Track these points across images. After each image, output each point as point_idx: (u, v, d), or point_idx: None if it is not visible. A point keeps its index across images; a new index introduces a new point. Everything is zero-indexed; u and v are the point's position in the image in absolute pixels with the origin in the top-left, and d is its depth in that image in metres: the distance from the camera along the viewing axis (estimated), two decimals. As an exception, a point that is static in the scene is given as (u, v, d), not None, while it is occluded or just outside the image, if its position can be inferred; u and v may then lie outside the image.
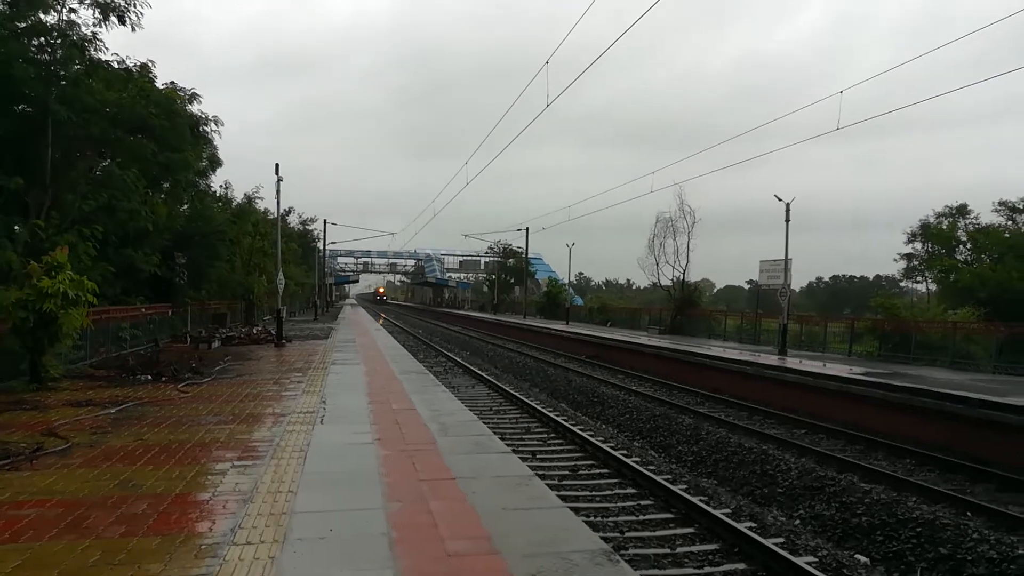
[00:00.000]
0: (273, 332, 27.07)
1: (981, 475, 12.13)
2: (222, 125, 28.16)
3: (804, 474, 11.78)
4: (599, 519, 9.23)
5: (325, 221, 58.52)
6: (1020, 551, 8.44)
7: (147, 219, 22.66)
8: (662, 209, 43.44)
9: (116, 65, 21.66)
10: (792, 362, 21.75)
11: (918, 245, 50.46)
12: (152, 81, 23.50)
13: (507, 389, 20.44)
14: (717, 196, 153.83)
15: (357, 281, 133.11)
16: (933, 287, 50.25)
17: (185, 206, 30.53)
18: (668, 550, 8.34)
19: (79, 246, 17.52)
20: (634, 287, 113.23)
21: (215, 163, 31.27)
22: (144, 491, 6.59)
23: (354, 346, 25.11)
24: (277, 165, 25.91)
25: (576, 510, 8.33)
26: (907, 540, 9.11)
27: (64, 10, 19.32)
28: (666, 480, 10.98)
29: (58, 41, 19.24)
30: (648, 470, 11.53)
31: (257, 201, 43.31)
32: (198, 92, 26.78)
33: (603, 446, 13.01)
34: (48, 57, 19.36)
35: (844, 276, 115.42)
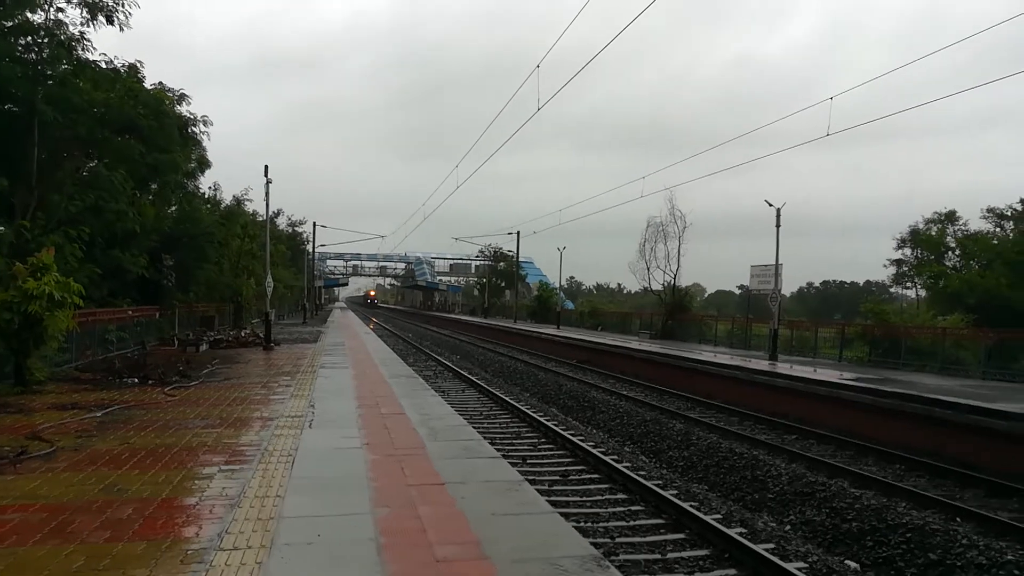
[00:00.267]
0: (261, 335, 26.93)
1: (970, 480, 12.16)
2: (211, 125, 28.05)
3: (794, 479, 11.78)
4: (589, 525, 9.19)
5: (315, 223, 58.37)
6: (1009, 556, 8.45)
7: (134, 220, 22.49)
8: (653, 214, 43.45)
9: (104, 65, 21.54)
10: (783, 367, 21.79)
11: (908, 251, 50.93)
12: (141, 81, 23.37)
13: (497, 393, 20.38)
14: (708, 201, 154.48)
15: (347, 284, 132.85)
16: (923, 293, 50.61)
17: (173, 208, 30.34)
18: (658, 556, 8.31)
19: (65, 247, 17.35)
20: (625, 291, 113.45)
21: (204, 164, 31.12)
22: (130, 495, 6.51)
23: (343, 350, 24.99)
24: (266, 167, 25.85)
25: (566, 515, 8.27)
26: (897, 546, 9.10)
27: (52, 9, 19.20)
28: (657, 485, 10.94)
29: (45, 40, 19.09)
30: (639, 475, 11.50)
31: (246, 203, 43.21)
32: (187, 93, 26.70)
33: (593, 451, 12.97)
34: (35, 56, 19.21)
35: (834, 281, 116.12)
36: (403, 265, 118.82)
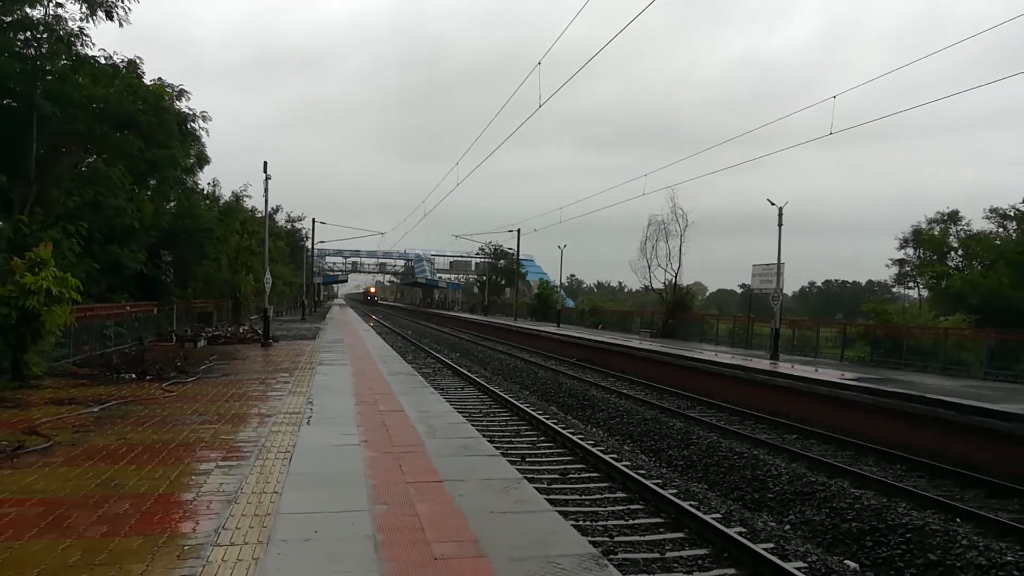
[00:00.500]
0: (260, 332, 26.88)
1: (971, 481, 12.12)
2: (210, 121, 28.02)
3: (795, 479, 11.74)
4: (588, 523, 9.15)
5: (314, 220, 58.28)
6: (1009, 557, 8.42)
7: (133, 216, 22.46)
8: (655, 212, 43.38)
9: (103, 61, 21.50)
10: (784, 367, 21.75)
11: (910, 251, 50.81)
12: (140, 77, 23.32)
13: (496, 391, 20.34)
14: (710, 199, 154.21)
15: (346, 281, 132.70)
16: (925, 293, 50.55)
17: (172, 203, 30.30)
18: (657, 555, 8.27)
19: (63, 243, 17.31)
20: (626, 290, 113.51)
21: (203, 160, 31.08)
22: (127, 491, 6.48)
23: (342, 346, 24.96)
24: (265, 163, 25.82)
25: (565, 514, 8.24)
26: (897, 546, 9.06)
27: (51, 4, 19.12)
28: (656, 484, 10.91)
29: (44, 36, 19.04)
30: (638, 474, 11.46)
31: (245, 199, 43.16)
32: (186, 89, 26.65)
33: (593, 450, 12.93)
34: (34, 52, 19.16)
35: (837, 281, 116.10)
36: (403, 262, 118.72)
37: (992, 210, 44.76)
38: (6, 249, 15.95)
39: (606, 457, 12.36)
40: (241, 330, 30.75)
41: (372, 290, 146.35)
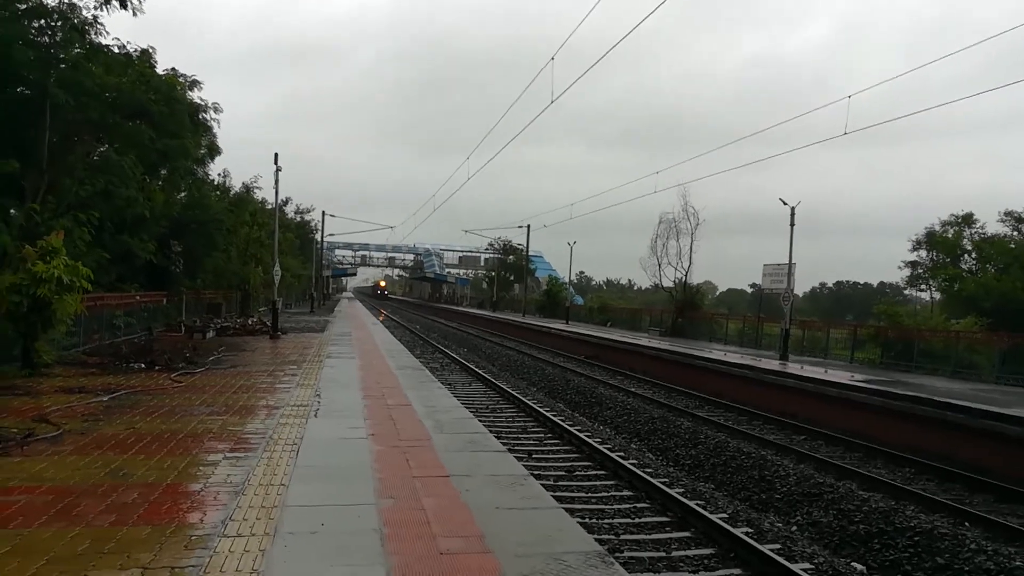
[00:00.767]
0: (268, 323, 26.95)
1: (980, 485, 12.04)
2: (221, 112, 28.06)
3: (802, 480, 11.68)
4: (594, 521, 9.13)
5: (324, 212, 58.46)
6: (1018, 562, 8.36)
7: (144, 206, 22.54)
8: (666, 210, 43.10)
9: (117, 50, 21.50)
10: (793, 367, 21.66)
11: (923, 253, 50.41)
12: (153, 67, 23.36)
13: (504, 387, 20.34)
14: (722, 198, 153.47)
15: (355, 274, 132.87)
16: (937, 295, 50.20)
17: (182, 194, 30.40)
18: (663, 553, 8.25)
19: (75, 231, 17.36)
20: (635, 288, 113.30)
21: (214, 151, 31.13)
22: (135, 480, 6.50)
23: (350, 340, 25.00)
24: (276, 155, 25.84)
25: (571, 511, 8.23)
26: (904, 549, 9.01)
27: (66, -9, 19.14)
28: (663, 483, 10.88)
29: (58, 24, 19.07)
30: (645, 473, 11.44)
31: (255, 191, 43.21)
32: (199, 79, 26.71)
33: (600, 447, 12.91)
34: (48, 40, 19.20)
35: (848, 282, 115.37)
36: (412, 256, 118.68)
37: (1007, 213, 44.40)
38: (18, 237, 16.04)
39: (613, 455, 12.35)
40: (250, 322, 30.84)
41: (382, 283, 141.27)
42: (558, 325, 44.50)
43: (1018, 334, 24.00)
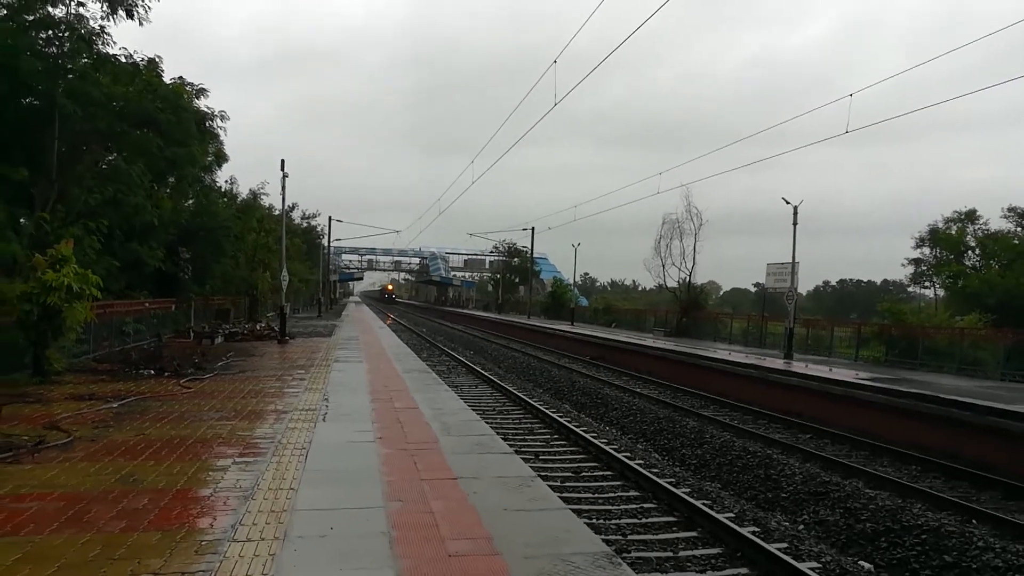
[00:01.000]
0: (276, 328, 27.06)
1: (987, 483, 12.03)
2: (228, 120, 28.20)
3: (808, 479, 11.71)
4: (601, 522, 9.18)
5: (330, 218, 58.74)
6: (1026, 560, 8.36)
7: (152, 213, 22.68)
8: (669, 210, 43.14)
9: (124, 59, 21.63)
10: (798, 366, 21.65)
11: (926, 250, 50.27)
12: (160, 76, 23.49)
13: (510, 389, 20.39)
14: (725, 198, 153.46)
15: (361, 279, 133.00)
16: (941, 293, 50.05)
17: (190, 201, 30.53)
18: (671, 554, 8.29)
19: (84, 239, 17.52)
20: (640, 288, 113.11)
21: (221, 158, 31.26)
22: (145, 486, 6.58)
23: (357, 344, 25.09)
24: (283, 161, 26.00)
25: (578, 512, 8.29)
26: (912, 547, 9.03)
27: (73, 3, 19.31)
28: (669, 483, 10.92)
29: (66, 34, 19.22)
30: (651, 473, 11.48)
31: (262, 197, 43.42)
32: (205, 87, 26.83)
33: (606, 448, 12.95)
34: (56, 50, 19.35)
35: (851, 280, 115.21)
36: (417, 260, 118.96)
37: (1010, 209, 44.30)
38: (28, 246, 16.17)
39: (619, 455, 12.39)
40: (258, 327, 30.96)
41: (390, 287, 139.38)
42: (563, 326, 44.53)
43: (1022, 330, 23.94)
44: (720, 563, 8.11)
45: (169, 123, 22.43)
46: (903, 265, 53.37)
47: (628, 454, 13.24)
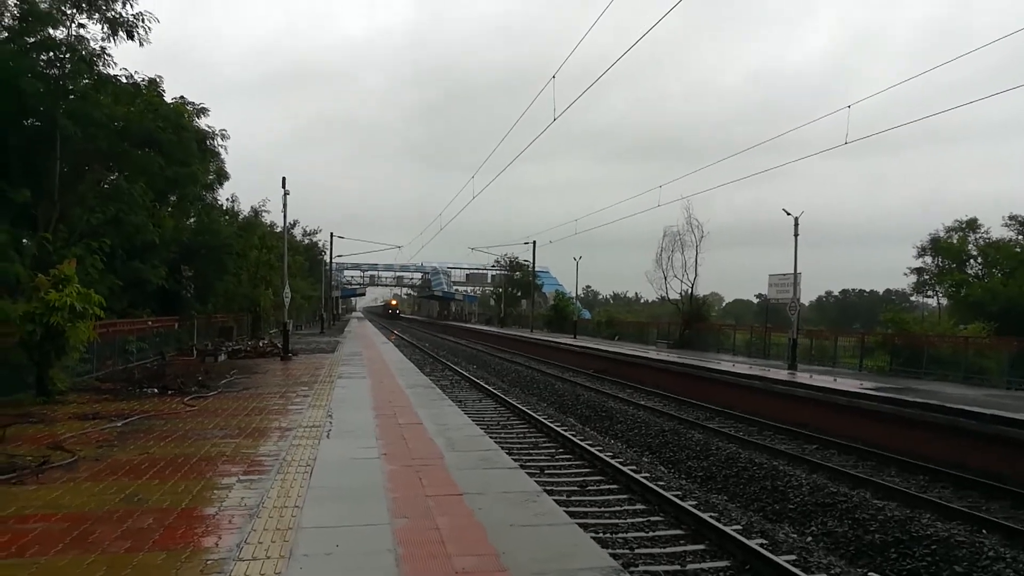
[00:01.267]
0: (279, 345, 27.04)
1: (996, 492, 11.96)
2: (228, 139, 28.36)
3: (816, 490, 11.64)
4: (608, 536, 9.13)
5: (332, 234, 58.81)
6: (1038, 569, 8.30)
7: (154, 232, 22.71)
8: (670, 223, 43.15)
9: (125, 80, 21.73)
10: (802, 377, 21.59)
11: (928, 259, 50.26)
12: (161, 95, 23.61)
13: (514, 403, 20.34)
14: (726, 209, 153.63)
15: (364, 294, 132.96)
16: (944, 302, 49.97)
17: (192, 219, 30.60)
18: (678, 567, 8.24)
19: (87, 259, 17.53)
20: (642, 301, 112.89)
21: (222, 176, 31.39)
22: (150, 505, 6.55)
23: (360, 359, 25.06)
24: (284, 178, 26.10)
25: (585, 526, 8.24)
26: (922, 558, 8.96)
27: (73, 25, 19.42)
28: (676, 496, 10.87)
29: (67, 56, 19.31)
30: (657, 486, 11.42)
31: (264, 214, 43.54)
32: (207, 106, 26.97)
33: (612, 461, 12.90)
34: (57, 72, 19.44)
35: (854, 290, 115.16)
36: (420, 275, 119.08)
37: (1011, 217, 44.33)
38: (31, 266, 16.19)
39: (625, 469, 12.34)
40: (261, 344, 30.95)
41: (394, 302, 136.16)
42: (566, 340, 44.48)
43: (1026, 338, 23.89)
44: (728, 576, 8.05)
45: (170, 142, 22.51)
46: (905, 274, 53.38)
47: (634, 467, 13.19)
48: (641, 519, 9.97)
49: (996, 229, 45.53)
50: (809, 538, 10.08)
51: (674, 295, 42.64)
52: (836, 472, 13.09)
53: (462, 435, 10.37)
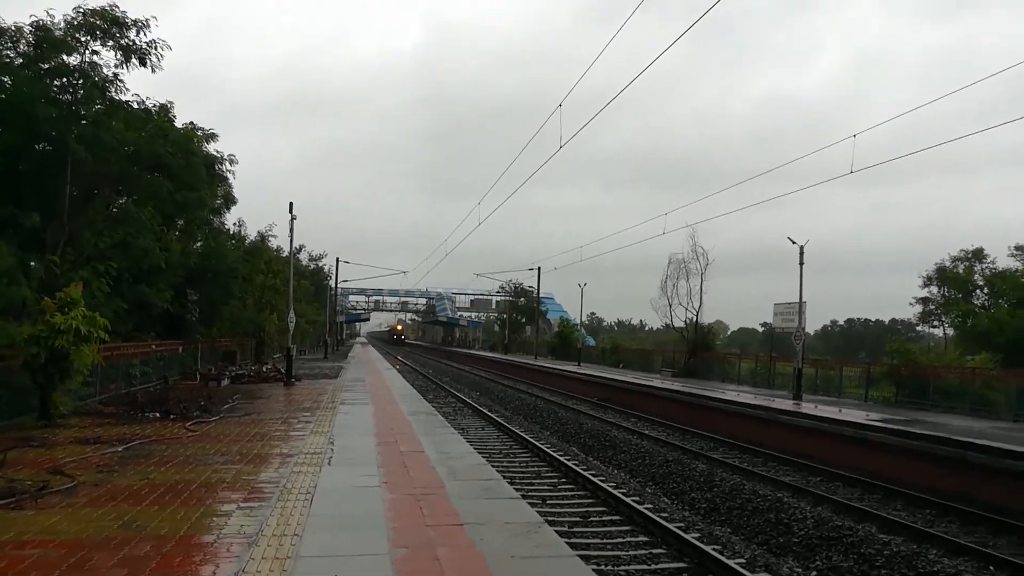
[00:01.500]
0: (283, 370, 27.03)
1: (1004, 527, 11.79)
2: (236, 164, 28.60)
3: (820, 523, 11.51)
4: (610, 568, 9.02)
5: (337, 259, 59.01)
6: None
7: (160, 256, 22.85)
8: (675, 250, 43.18)
9: (136, 105, 22.03)
10: (807, 407, 21.45)
11: (934, 289, 50.11)
12: (171, 121, 23.89)
13: (517, 432, 20.23)
14: (731, 238, 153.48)
15: (368, 319, 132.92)
16: (950, 332, 49.74)
17: (199, 243, 30.79)
18: (681, 601, 8.12)
19: (93, 282, 17.64)
20: (647, 328, 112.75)
21: (230, 201, 31.62)
22: (148, 532, 6.51)
23: (363, 386, 25.02)
24: (291, 204, 26.29)
25: (586, 558, 8.15)
26: (929, 594, 8.82)
27: (87, 52, 19.72)
28: (679, 528, 10.75)
29: (80, 82, 19.61)
30: (660, 517, 11.30)
31: (270, 239, 43.73)
32: (216, 132, 27.30)
33: (615, 492, 12.79)
34: (70, 97, 19.73)
35: (859, 319, 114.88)
36: (424, 300, 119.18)
37: (1018, 247, 44.28)
38: (38, 289, 16.28)
39: (628, 500, 12.22)
40: (264, 369, 30.95)
41: (399, 328, 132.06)
42: (570, 367, 44.34)
43: (1034, 370, 23.74)
44: (732, 611, 7.93)
45: (179, 167, 22.72)
46: (911, 304, 53.24)
47: (637, 498, 13.06)
48: (644, 551, 9.86)
49: (1002, 259, 45.50)
50: (814, 573, 9.94)
51: (679, 323, 42.53)
52: (841, 505, 12.94)
53: (464, 463, 10.31)
